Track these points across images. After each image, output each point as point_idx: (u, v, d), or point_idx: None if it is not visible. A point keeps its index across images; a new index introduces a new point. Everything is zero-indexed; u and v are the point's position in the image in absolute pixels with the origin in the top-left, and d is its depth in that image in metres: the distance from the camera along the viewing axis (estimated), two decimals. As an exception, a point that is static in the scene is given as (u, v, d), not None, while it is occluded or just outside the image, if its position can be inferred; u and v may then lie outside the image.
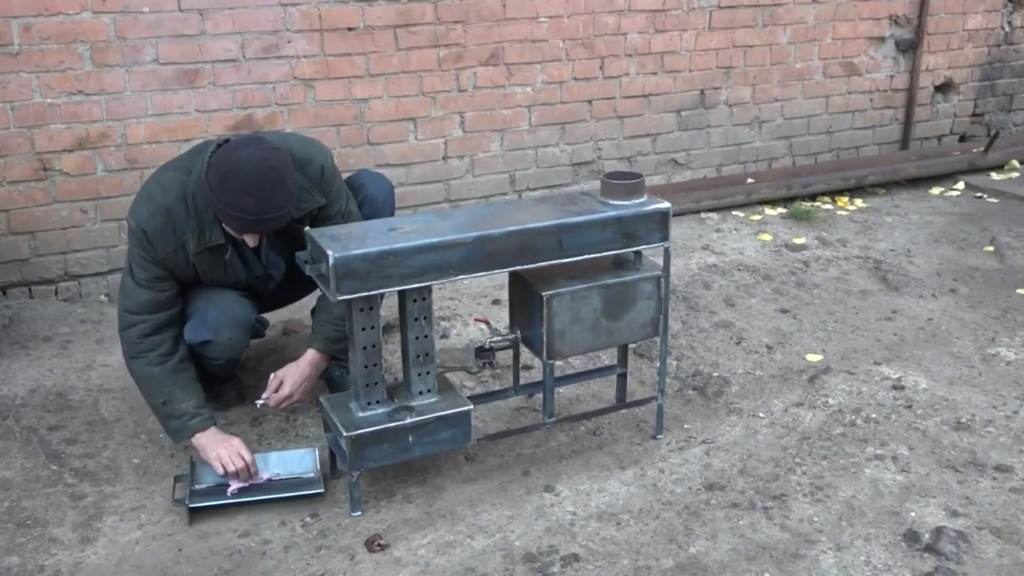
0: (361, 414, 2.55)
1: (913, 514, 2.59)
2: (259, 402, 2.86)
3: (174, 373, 2.74)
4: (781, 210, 5.07)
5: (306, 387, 2.90)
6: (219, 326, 2.82)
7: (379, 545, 2.47)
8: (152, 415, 2.89)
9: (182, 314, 2.82)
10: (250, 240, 2.69)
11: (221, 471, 2.66)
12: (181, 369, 2.76)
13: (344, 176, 2.99)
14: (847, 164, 5.52)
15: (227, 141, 2.67)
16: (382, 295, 2.53)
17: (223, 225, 2.67)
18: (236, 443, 2.71)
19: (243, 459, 2.67)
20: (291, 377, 2.87)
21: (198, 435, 2.72)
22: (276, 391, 2.85)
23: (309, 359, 2.90)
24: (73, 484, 2.75)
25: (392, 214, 3.11)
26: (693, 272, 4.24)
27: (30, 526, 2.57)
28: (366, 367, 2.53)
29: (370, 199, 3.03)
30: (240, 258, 2.82)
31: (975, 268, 4.33)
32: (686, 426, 3.04)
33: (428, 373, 2.61)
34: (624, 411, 3.06)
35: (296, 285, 3.05)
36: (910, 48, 5.69)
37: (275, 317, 3.51)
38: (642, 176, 2.66)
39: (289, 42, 4.12)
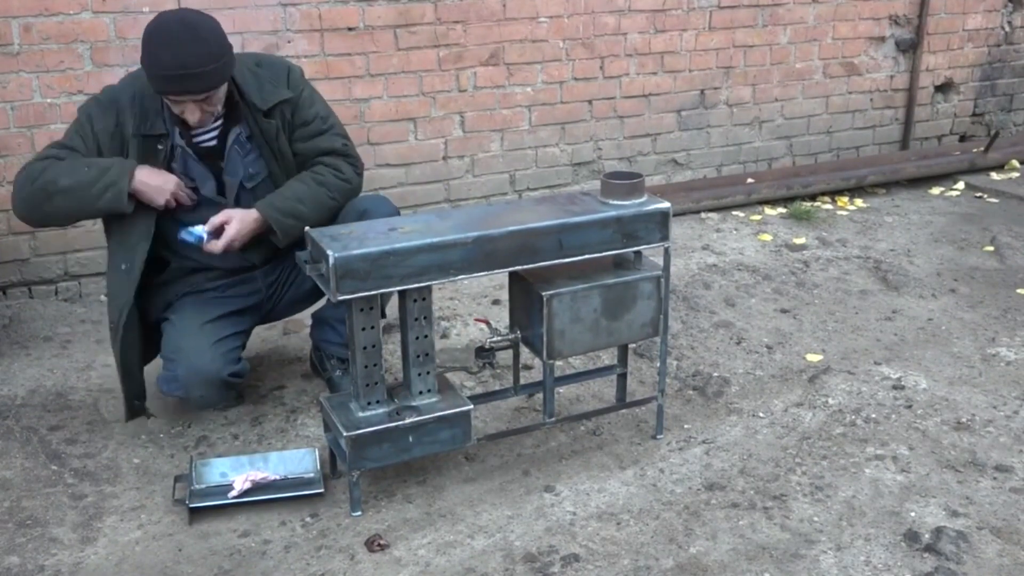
0: (361, 414, 2.54)
1: (913, 514, 2.59)
2: (201, 235, 2.77)
3: (75, 160, 2.69)
4: (781, 210, 5.07)
5: (244, 239, 2.78)
6: (190, 385, 2.80)
7: (379, 545, 2.47)
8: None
9: (157, 345, 2.89)
10: (190, 115, 2.66)
11: (164, 202, 2.71)
12: (77, 155, 2.72)
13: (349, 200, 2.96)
14: (847, 164, 5.53)
15: None
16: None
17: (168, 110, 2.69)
18: (173, 180, 2.73)
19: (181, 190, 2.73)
20: (237, 223, 2.75)
21: (135, 173, 2.67)
22: (219, 233, 2.76)
23: (254, 216, 2.77)
24: (73, 484, 2.75)
25: None
26: (693, 272, 4.24)
27: (30, 526, 2.57)
28: (366, 367, 2.53)
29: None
30: (172, 156, 2.77)
31: (975, 268, 4.33)
32: (686, 426, 3.04)
33: (428, 373, 2.61)
34: (624, 411, 3.06)
35: (291, 296, 3.06)
36: (910, 48, 5.70)
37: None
38: (642, 176, 2.66)
39: (289, 42, 4.12)
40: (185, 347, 2.80)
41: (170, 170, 2.77)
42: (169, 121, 2.74)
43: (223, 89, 2.70)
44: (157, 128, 2.72)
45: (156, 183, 2.70)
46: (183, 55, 2.53)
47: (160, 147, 2.74)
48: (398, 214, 2.97)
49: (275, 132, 2.80)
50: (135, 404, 3.00)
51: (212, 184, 2.82)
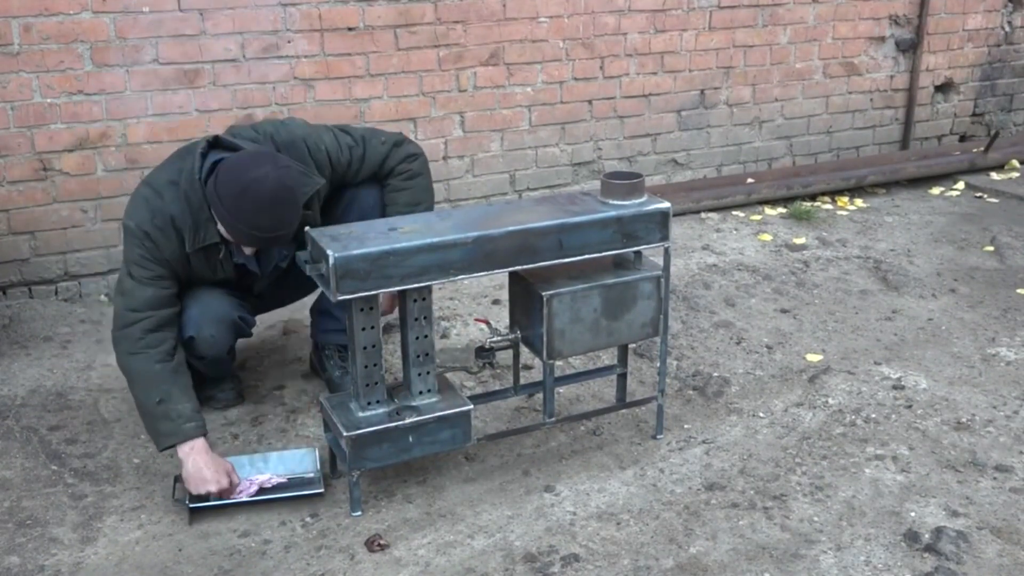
0: (361, 414, 2.55)
1: (913, 514, 2.59)
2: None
3: (174, 373, 2.68)
4: (781, 210, 5.07)
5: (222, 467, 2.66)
6: (201, 323, 2.82)
7: (379, 545, 2.47)
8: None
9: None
10: (248, 250, 2.75)
11: (199, 491, 2.57)
12: (181, 372, 2.71)
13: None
14: (847, 164, 5.52)
15: (216, 139, 2.71)
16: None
17: (221, 230, 2.67)
18: (227, 466, 2.65)
19: (229, 480, 2.61)
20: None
21: (188, 444, 2.60)
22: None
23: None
24: (73, 484, 2.75)
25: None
26: (693, 272, 4.24)
27: (30, 526, 2.57)
28: (366, 367, 2.53)
29: (359, 207, 2.95)
30: (229, 254, 2.82)
31: (975, 268, 4.33)
32: (686, 426, 3.04)
33: (428, 373, 2.61)
34: (624, 411, 3.06)
35: (294, 284, 3.06)
36: (910, 48, 5.70)
37: (275, 316, 3.52)
38: (642, 176, 2.66)
39: (289, 42, 4.12)
40: (201, 296, 2.85)
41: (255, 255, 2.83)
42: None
43: None
44: (211, 238, 2.72)
45: (200, 476, 2.59)
46: (282, 220, 2.57)
47: (220, 256, 2.77)
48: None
49: (311, 220, 2.76)
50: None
51: (255, 264, 2.88)
